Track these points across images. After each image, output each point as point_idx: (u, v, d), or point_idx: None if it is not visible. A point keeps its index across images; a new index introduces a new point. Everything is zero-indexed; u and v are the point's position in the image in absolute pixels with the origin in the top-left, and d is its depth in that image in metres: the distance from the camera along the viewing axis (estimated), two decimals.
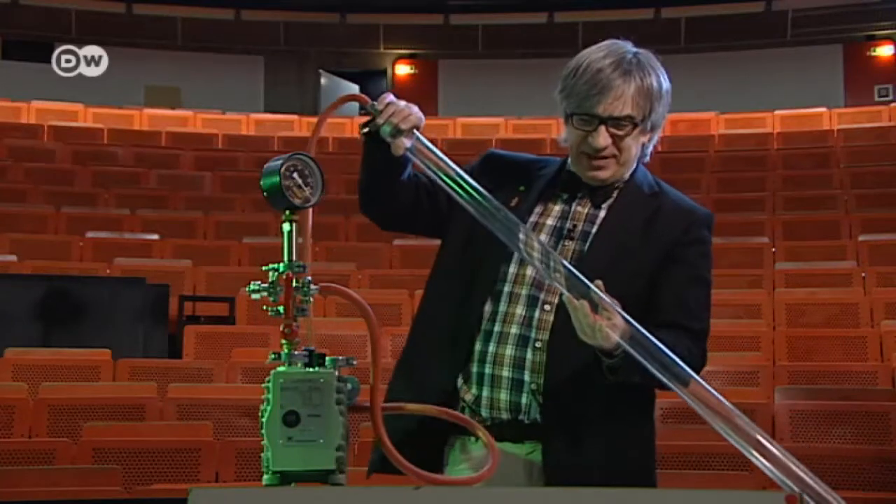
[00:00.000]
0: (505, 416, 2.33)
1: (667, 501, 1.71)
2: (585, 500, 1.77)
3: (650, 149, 2.42)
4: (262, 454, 1.87)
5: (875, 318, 8.32)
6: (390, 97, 2.26)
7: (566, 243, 2.37)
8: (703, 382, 2.09)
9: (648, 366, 2.10)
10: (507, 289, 2.36)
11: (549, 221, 2.40)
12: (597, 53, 2.34)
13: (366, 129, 2.27)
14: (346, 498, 1.79)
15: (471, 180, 2.21)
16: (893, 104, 15.69)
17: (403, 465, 1.94)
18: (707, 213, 2.45)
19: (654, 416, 2.44)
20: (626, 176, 2.41)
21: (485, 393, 2.34)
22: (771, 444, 2.01)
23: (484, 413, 2.35)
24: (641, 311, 2.19)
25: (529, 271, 2.35)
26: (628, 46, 2.36)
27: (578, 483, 2.16)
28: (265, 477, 1.87)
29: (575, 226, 2.39)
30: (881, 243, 10.01)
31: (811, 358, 7.70)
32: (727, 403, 2.06)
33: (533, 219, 2.40)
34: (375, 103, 2.26)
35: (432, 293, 2.48)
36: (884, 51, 17.24)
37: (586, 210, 2.40)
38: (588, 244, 2.36)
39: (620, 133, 2.33)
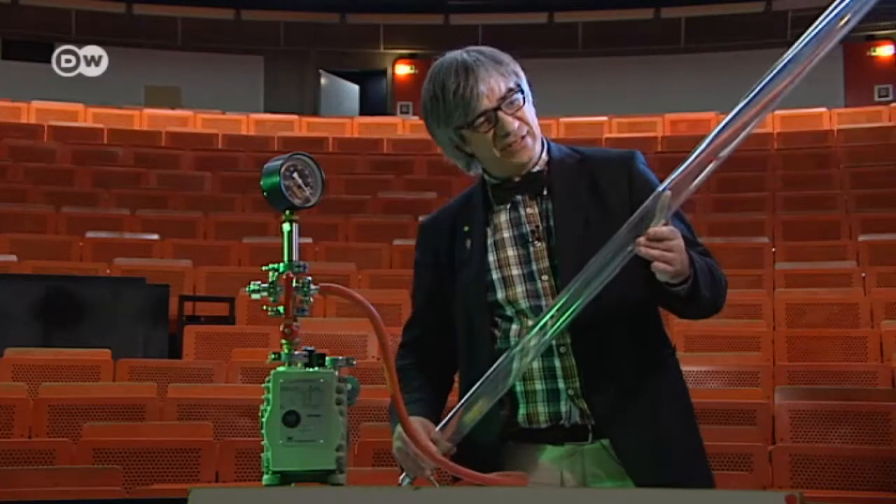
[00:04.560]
0: (545, 426, 2.34)
1: (667, 501, 1.71)
2: (588, 500, 1.77)
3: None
4: (262, 454, 1.87)
5: (875, 318, 8.31)
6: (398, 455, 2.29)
7: (536, 244, 2.36)
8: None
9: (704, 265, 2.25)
10: (508, 311, 2.36)
11: (507, 234, 2.39)
12: (439, 76, 2.36)
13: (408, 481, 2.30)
14: (346, 498, 1.79)
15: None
16: (893, 104, 15.70)
17: (424, 449, 2.04)
18: (632, 151, 2.45)
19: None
20: (540, 150, 2.40)
21: (521, 410, 2.35)
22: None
23: (522, 426, 2.35)
24: (635, 273, 2.20)
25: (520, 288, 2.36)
26: (449, 53, 2.39)
27: (653, 468, 2.23)
28: (265, 477, 1.87)
29: (537, 227, 2.38)
30: (881, 243, 10.00)
31: (811, 358, 7.68)
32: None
33: (490, 240, 2.39)
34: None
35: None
36: (884, 51, 17.26)
37: (535, 210, 2.39)
38: (555, 237, 2.36)
39: (516, 107, 2.33)
